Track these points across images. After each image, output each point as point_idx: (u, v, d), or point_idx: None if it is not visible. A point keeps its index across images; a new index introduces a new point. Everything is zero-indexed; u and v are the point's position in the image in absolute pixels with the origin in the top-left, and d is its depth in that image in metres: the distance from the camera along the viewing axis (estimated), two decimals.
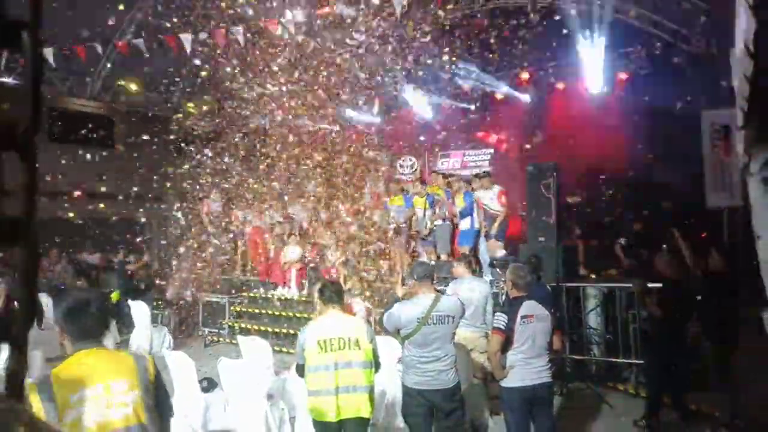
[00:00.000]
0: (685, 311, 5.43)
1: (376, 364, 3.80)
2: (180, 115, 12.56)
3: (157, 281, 11.74)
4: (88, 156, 13.76)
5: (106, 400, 2.07)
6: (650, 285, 5.69)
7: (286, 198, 10.94)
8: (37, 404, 1.98)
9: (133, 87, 14.34)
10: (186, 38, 8.91)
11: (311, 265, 9.65)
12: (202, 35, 8.98)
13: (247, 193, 11.47)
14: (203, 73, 10.44)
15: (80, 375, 2.09)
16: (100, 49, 10.41)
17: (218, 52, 9.21)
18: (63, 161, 12.83)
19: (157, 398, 2.24)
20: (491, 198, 8.57)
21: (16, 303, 1.01)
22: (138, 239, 13.41)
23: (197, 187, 11.74)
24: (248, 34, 8.86)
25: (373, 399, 3.76)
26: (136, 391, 2.14)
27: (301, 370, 3.79)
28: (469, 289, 5.69)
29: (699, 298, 5.54)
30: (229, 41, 8.88)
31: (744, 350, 4.95)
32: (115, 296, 10.46)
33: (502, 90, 12.72)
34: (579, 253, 8.42)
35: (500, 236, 8.51)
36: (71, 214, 13.44)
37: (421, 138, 12.77)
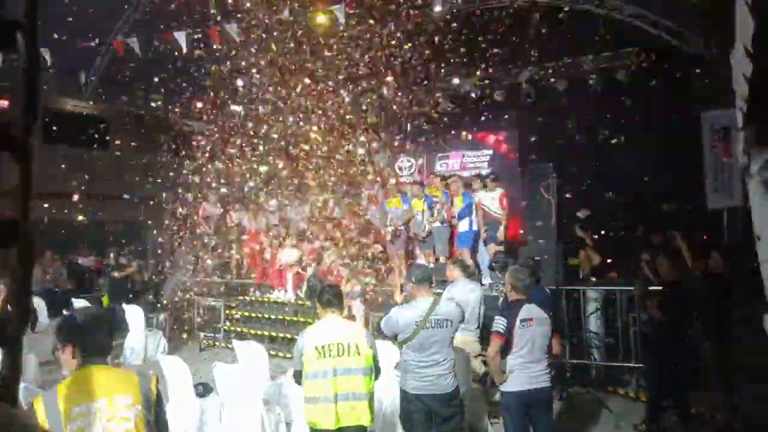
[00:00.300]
0: (686, 313, 5.42)
1: (376, 371, 3.69)
2: (176, 116, 12.53)
3: (152, 284, 11.70)
4: (83, 157, 13.72)
5: (109, 414, 2.13)
6: (651, 288, 5.68)
7: (283, 200, 10.91)
8: (41, 415, 2.05)
9: None
10: (180, 36, 8.86)
11: (310, 270, 9.59)
12: (198, 35, 8.94)
13: (245, 195, 11.46)
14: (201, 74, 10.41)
15: (85, 389, 2.16)
16: (95, 46, 10.35)
17: (215, 48, 9.17)
18: (57, 162, 12.78)
19: (157, 416, 2.29)
20: (493, 199, 8.54)
21: (9, 306, 0.99)
22: (133, 241, 13.37)
23: (190, 189, 11.71)
24: (242, 31, 8.82)
25: (373, 406, 3.66)
26: (138, 407, 2.19)
27: (298, 377, 3.67)
28: (464, 292, 5.66)
29: (699, 299, 5.53)
30: (222, 39, 8.85)
31: (744, 351, 4.94)
32: (104, 300, 10.45)
33: (501, 90, 12.70)
34: (586, 266, 8.37)
35: (494, 239, 8.49)
36: (66, 216, 13.38)
37: (420, 139, 12.74)
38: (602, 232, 9.23)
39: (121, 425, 2.13)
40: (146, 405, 2.22)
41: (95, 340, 2.28)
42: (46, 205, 12.43)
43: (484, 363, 5.56)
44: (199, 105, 11.17)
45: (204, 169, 11.49)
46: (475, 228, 8.63)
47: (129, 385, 2.23)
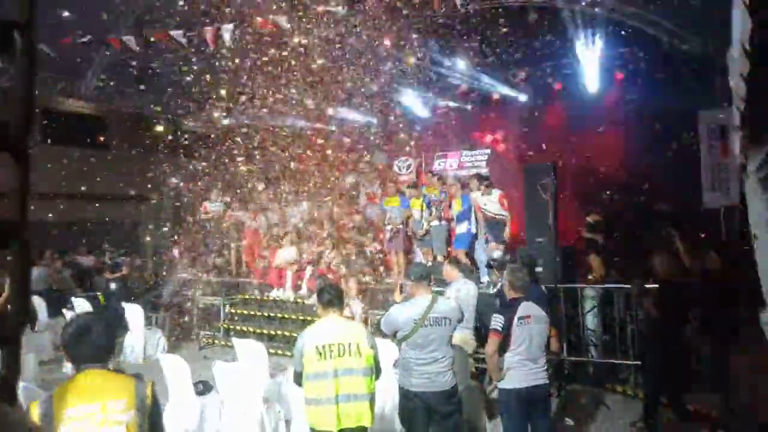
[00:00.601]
0: (682, 311, 5.44)
1: (377, 371, 3.67)
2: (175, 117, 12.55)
3: (152, 283, 11.71)
4: (82, 157, 13.70)
5: (101, 418, 2.17)
6: (647, 286, 5.70)
7: (282, 199, 10.93)
8: (35, 417, 2.12)
9: None
10: (178, 35, 8.83)
11: (309, 270, 9.59)
12: (195, 35, 8.91)
13: (245, 194, 11.47)
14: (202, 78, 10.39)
15: (79, 393, 2.21)
16: (93, 45, 10.32)
17: (211, 51, 9.16)
18: (56, 163, 12.76)
19: (153, 423, 2.32)
20: (491, 200, 8.54)
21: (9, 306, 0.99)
22: (132, 241, 13.36)
23: (191, 187, 11.73)
24: (239, 32, 8.80)
25: (374, 407, 3.63)
26: (131, 412, 2.22)
27: (298, 378, 3.63)
28: (465, 291, 5.71)
29: (696, 298, 5.54)
30: (217, 40, 8.82)
31: (741, 350, 4.96)
32: (101, 299, 10.47)
33: (498, 90, 12.72)
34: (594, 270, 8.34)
35: (500, 239, 8.52)
36: (65, 216, 13.37)
37: (418, 138, 12.75)
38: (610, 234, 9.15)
39: (113, 429, 2.17)
40: (141, 410, 2.25)
41: (85, 348, 2.33)
42: (44, 205, 12.42)
43: (479, 360, 5.59)
44: (200, 106, 11.17)
45: (206, 168, 11.51)
46: (473, 231, 8.63)
47: (124, 390, 2.26)
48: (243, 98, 10.39)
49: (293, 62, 9.58)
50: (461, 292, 5.63)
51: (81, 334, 2.35)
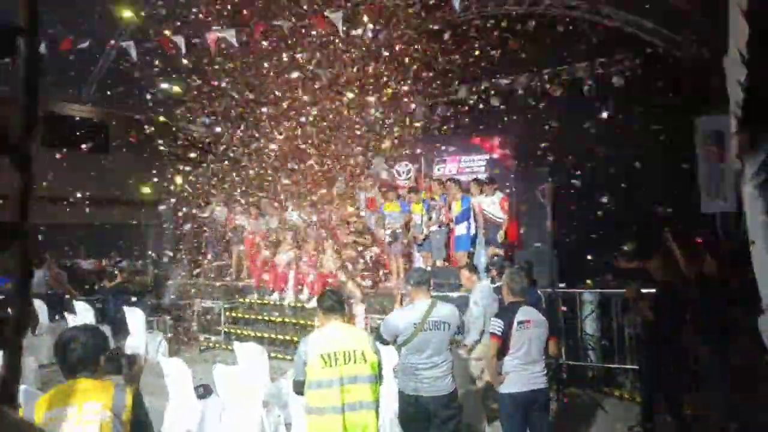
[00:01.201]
0: (679, 315, 5.44)
1: (380, 377, 3.58)
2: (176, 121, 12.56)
3: (153, 287, 11.72)
4: (83, 161, 13.72)
5: (76, 418, 2.27)
6: (644, 290, 5.72)
7: (283, 202, 10.94)
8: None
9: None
10: (179, 41, 8.83)
11: (312, 274, 9.58)
12: (196, 39, 8.91)
13: (246, 198, 11.49)
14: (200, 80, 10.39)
15: (60, 397, 2.34)
16: (94, 49, 10.31)
17: (211, 54, 9.17)
18: (57, 167, 12.77)
19: (134, 426, 2.38)
20: (493, 203, 8.55)
21: (9, 309, 1.00)
22: (132, 245, 13.37)
23: (193, 191, 11.74)
24: (242, 36, 8.81)
25: (379, 415, 3.54)
26: (107, 412, 2.31)
27: (299, 387, 3.51)
28: (488, 296, 5.82)
29: (693, 302, 5.55)
30: (219, 44, 8.83)
31: (738, 354, 4.97)
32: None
33: (497, 95, 12.74)
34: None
35: (496, 243, 8.52)
36: (67, 219, 13.38)
37: (417, 143, 12.76)
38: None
39: (86, 428, 2.25)
40: (117, 415, 2.32)
41: (70, 359, 2.45)
42: (46, 209, 12.42)
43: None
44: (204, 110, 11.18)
45: (207, 172, 11.53)
46: (472, 232, 8.67)
47: (102, 394, 2.36)
48: (244, 104, 10.41)
49: (294, 70, 9.62)
50: (487, 297, 5.71)
51: (65, 346, 2.47)
